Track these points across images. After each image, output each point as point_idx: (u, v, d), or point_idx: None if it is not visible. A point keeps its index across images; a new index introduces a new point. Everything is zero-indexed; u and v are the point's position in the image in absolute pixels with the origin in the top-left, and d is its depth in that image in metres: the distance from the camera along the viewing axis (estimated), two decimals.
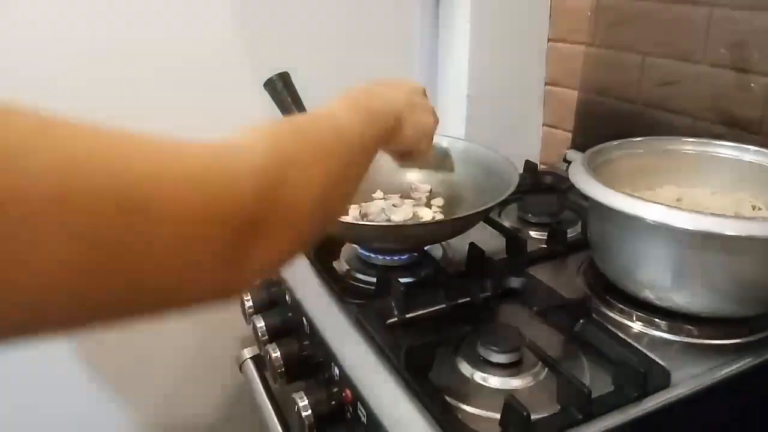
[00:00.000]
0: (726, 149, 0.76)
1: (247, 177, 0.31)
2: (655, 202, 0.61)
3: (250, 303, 0.83)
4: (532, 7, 1.12)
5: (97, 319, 0.27)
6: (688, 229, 0.58)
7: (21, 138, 0.22)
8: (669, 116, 0.97)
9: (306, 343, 0.71)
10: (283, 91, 0.72)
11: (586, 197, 0.75)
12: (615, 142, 0.77)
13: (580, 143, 1.10)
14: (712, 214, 0.58)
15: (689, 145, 0.78)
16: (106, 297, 0.26)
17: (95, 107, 0.87)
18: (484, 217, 0.76)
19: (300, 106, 0.71)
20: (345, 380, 0.62)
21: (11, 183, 0.21)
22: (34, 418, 1.03)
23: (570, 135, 1.16)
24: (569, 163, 1.07)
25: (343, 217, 0.76)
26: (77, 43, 0.87)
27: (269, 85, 0.73)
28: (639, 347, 0.61)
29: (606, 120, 1.06)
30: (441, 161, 0.85)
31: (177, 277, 0.28)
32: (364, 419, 0.58)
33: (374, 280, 0.73)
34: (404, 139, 0.58)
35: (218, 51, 0.96)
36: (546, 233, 0.85)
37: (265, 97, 0.73)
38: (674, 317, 0.65)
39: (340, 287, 0.73)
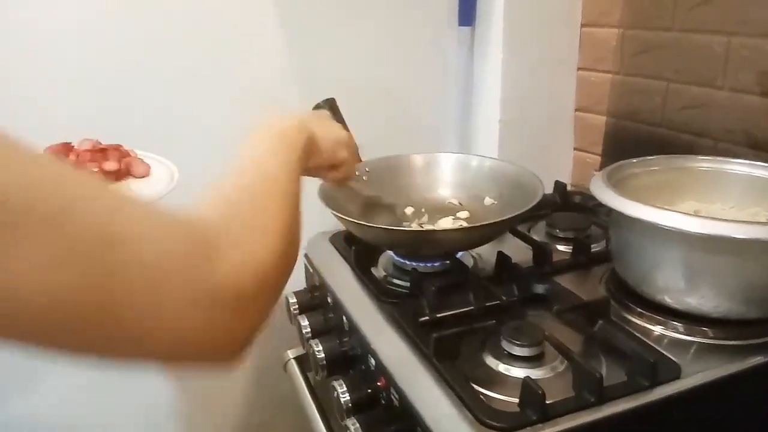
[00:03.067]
0: (739, 166, 0.80)
1: (201, 245, 0.34)
2: (670, 210, 0.66)
3: (296, 305, 0.90)
4: (562, 37, 1.19)
5: (69, 341, 0.30)
6: (700, 234, 0.63)
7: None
8: (692, 139, 1.01)
9: (345, 339, 0.78)
10: (330, 115, 0.80)
11: (609, 212, 0.81)
12: (634, 160, 0.83)
13: (608, 165, 1.14)
14: (723, 220, 0.63)
15: (705, 163, 0.83)
16: (78, 320, 0.29)
17: (155, 130, 0.99)
18: (511, 226, 0.82)
19: (345, 127, 0.79)
20: (380, 369, 0.68)
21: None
22: (100, 414, 1.11)
23: (597, 158, 1.21)
24: None
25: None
26: (139, 71, 0.97)
27: (317, 109, 0.81)
28: (651, 343, 0.65)
29: (633, 143, 1.12)
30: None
31: (152, 313, 0.31)
32: (396, 403, 0.64)
33: (409, 284, 0.80)
34: (322, 150, 0.64)
35: (274, 80, 1.06)
36: (570, 246, 0.90)
37: None
38: (690, 320, 0.70)
39: (377, 289, 0.80)
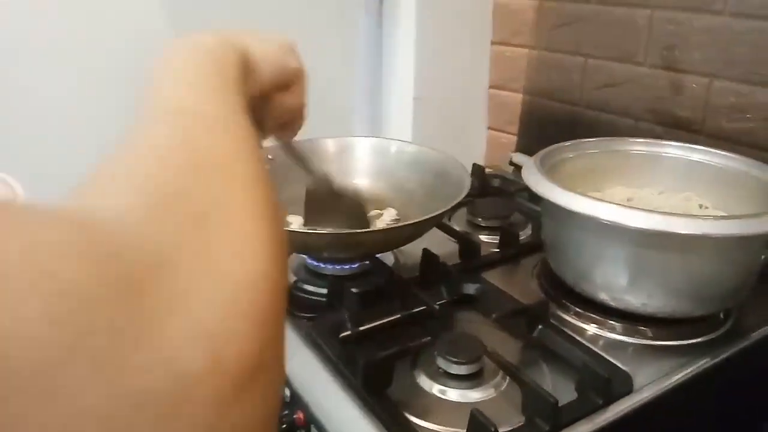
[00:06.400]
0: (674, 149, 0.76)
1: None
2: (609, 202, 0.60)
3: None
4: (474, 8, 1.11)
5: None
6: (642, 228, 0.57)
7: None
8: (612, 118, 0.98)
9: None
10: None
11: (535, 200, 0.74)
12: (567, 143, 0.77)
13: (526, 146, 1.09)
14: (666, 213, 0.58)
15: (638, 146, 0.78)
16: None
17: (11, 114, 0.81)
18: (437, 222, 0.74)
19: None
20: (297, 401, 0.57)
21: None
22: None
23: (514, 138, 1.15)
24: (515, 166, 1.08)
25: (288, 226, 0.72)
26: None
27: None
28: (601, 353, 0.60)
29: (550, 123, 1.07)
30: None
31: None
32: None
33: (324, 291, 0.70)
34: (264, 67, 0.41)
35: (148, 48, 0.90)
36: (496, 237, 0.84)
37: None
38: (629, 319, 0.65)
39: (289, 302, 0.69)
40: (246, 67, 0.38)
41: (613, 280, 0.63)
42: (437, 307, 0.66)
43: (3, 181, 0.61)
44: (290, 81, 0.46)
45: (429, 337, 0.59)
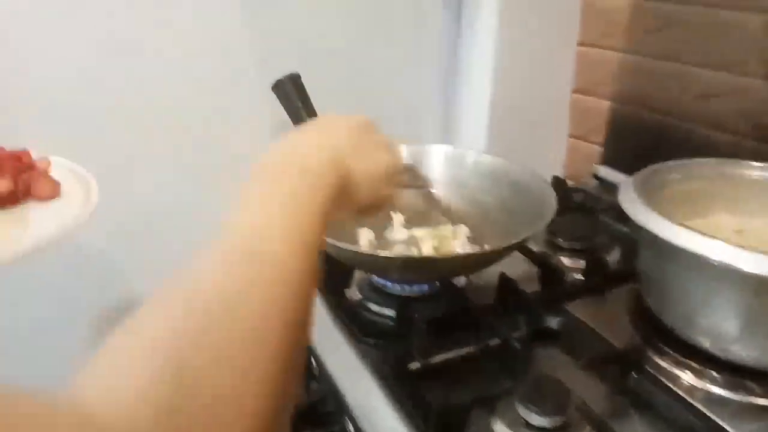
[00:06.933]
0: None
1: None
2: (723, 240, 0.52)
3: None
4: (564, 4, 1.03)
5: None
6: (760, 275, 0.50)
7: None
8: (710, 132, 0.88)
9: (313, 385, 0.62)
10: (292, 94, 0.65)
11: (625, 221, 0.66)
12: (672, 163, 0.68)
13: (612, 158, 1.01)
14: None
15: (755, 170, 0.69)
16: None
17: (100, 114, 0.80)
18: (520, 247, 0.67)
19: (310, 110, 0.65)
20: None
21: None
22: None
23: (596, 148, 1.07)
24: (600, 179, 0.99)
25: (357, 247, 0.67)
26: (82, 43, 0.78)
27: (278, 87, 0.65)
28: (706, 411, 0.52)
29: (640, 133, 0.98)
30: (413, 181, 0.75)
31: None
32: None
33: (390, 312, 0.65)
34: (359, 194, 0.45)
35: (226, 51, 0.87)
36: (578, 260, 0.77)
37: (274, 100, 0.65)
38: (733, 371, 0.57)
39: (353, 322, 0.64)
40: (342, 193, 0.42)
41: (721, 328, 0.56)
42: (516, 343, 0.60)
43: (77, 173, 0.58)
44: (380, 205, 0.51)
45: (509, 383, 0.53)
